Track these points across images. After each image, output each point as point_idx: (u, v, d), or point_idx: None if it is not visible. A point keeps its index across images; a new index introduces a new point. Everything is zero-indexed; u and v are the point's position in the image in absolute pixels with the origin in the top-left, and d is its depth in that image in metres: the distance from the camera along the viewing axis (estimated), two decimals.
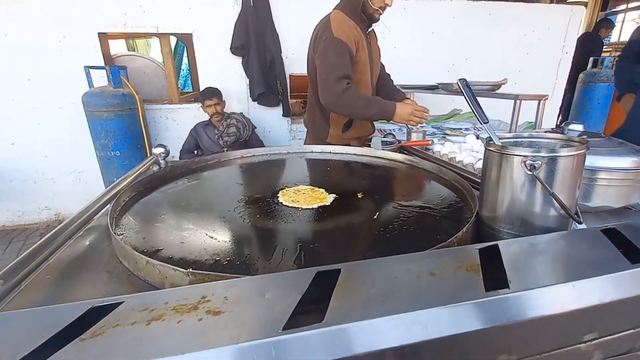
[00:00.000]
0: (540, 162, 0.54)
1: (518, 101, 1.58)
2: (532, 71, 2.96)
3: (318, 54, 1.35)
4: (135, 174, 1.04)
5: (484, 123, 0.69)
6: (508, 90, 1.86)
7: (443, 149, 1.22)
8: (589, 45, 4.01)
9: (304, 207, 0.83)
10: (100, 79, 2.59)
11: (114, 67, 2.47)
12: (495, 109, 2.26)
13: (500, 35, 2.93)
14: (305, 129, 1.71)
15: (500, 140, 0.66)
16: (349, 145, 1.42)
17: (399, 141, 1.35)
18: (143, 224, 0.73)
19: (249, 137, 2.46)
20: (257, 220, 0.74)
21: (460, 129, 1.82)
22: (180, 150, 2.51)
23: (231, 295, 0.39)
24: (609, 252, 0.46)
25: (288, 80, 2.76)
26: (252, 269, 0.55)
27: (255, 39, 2.51)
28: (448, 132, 1.76)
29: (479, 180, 0.90)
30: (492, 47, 2.94)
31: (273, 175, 1.12)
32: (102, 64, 2.66)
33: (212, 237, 0.67)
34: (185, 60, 4.66)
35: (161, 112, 2.75)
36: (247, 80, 2.70)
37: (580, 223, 0.56)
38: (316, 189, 0.94)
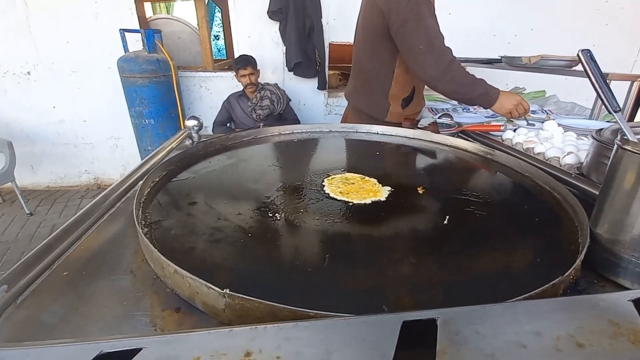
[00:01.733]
0: None
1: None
2: (611, 46, 2.54)
3: (404, 18, 1.10)
4: (167, 150, 0.95)
5: (615, 112, 0.51)
6: (580, 68, 1.57)
7: (516, 136, 1.03)
8: None
9: (355, 201, 0.70)
10: (136, 43, 2.52)
11: (148, 31, 2.38)
12: (567, 89, 1.96)
13: (574, 2, 2.51)
14: (346, 104, 1.54)
15: (637, 136, 0.48)
16: (399, 125, 1.25)
17: (459, 124, 1.16)
18: (173, 212, 0.64)
19: (282, 111, 2.33)
20: (301, 217, 0.62)
21: None
22: (214, 122, 2.43)
23: (286, 354, 0.27)
24: None
25: (327, 50, 2.55)
26: (303, 290, 0.43)
27: (294, 2, 2.30)
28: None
29: (576, 183, 0.73)
30: (564, 16, 2.54)
31: (315, 158, 0.99)
32: (137, 27, 2.58)
33: (250, 236, 0.56)
34: (215, 26, 4.50)
35: (195, 80, 2.67)
36: (284, 48, 2.52)
37: None
38: (367, 178, 0.81)
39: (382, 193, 0.74)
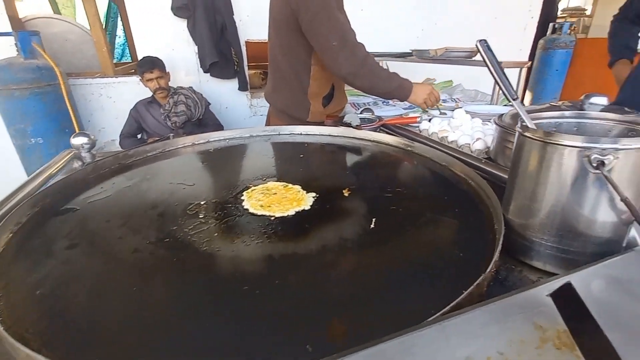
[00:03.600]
0: (611, 157, 0.39)
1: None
2: (501, 37, 2.87)
3: (312, 13, 1.06)
4: (44, 177, 0.77)
5: (514, 100, 0.52)
6: (478, 58, 1.73)
7: (431, 126, 1.06)
8: (545, 11, 4.01)
9: (277, 214, 0.63)
10: (10, 48, 2.09)
11: (22, 33, 1.99)
12: (470, 77, 2.16)
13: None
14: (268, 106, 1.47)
15: (534, 122, 0.50)
16: (322, 124, 1.22)
17: (380, 118, 1.17)
18: (42, 263, 0.50)
19: (202, 116, 2.15)
20: (214, 243, 0.53)
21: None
22: (120, 135, 2.13)
23: None
24: None
25: (244, 48, 2.42)
26: (222, 337, 0.35)
27: None
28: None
29: (486, 168, 0.76)
30: (462, 11, 2.79)
31: (233, 169, 0.90)
32: (8, 29, 2.15)
33: (148, 279, 0.46)
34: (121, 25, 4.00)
35: (92, 87, 2.31)
36: (196, 47, 2.32)
37: None
38: (290, 185, 0.75)
39: (307, 201, 0.68)
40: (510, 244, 0.52)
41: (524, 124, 0.49)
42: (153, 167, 0.88)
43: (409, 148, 0.93)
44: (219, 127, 2.29)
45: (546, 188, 0.46)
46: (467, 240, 0.53)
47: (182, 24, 2.28)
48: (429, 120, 1.12)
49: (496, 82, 0.53)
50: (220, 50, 2.28)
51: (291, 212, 0.64)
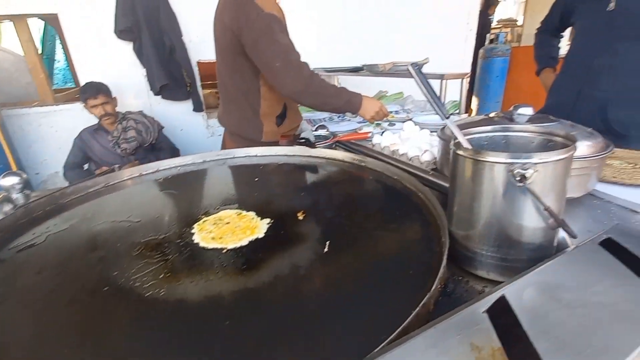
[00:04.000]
0: (532, 171, 0.42)
1: (444, 81, 1.55)
2: (445, 49, 3.07)
3: (255, 36, 1.08)
4: None
5: (446, 118, 0.55)
6: (426, 70, 1.84)
7: (383, 140, 1.10)
8: (482, 23, 4.35)
9: (230, 246, 0.61)
10: None
11: None
12: (417, 89, 2.27)
13: (414, 13, 2.95)
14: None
15: (468, 137, 0.53)
16: (277, 144, 1.21)
17: (334, 134, 1.19)
18: None
19: (155, 140, 2.06)
20: (159, 286, 0.50)
21: (390, 112, 1.74)
22: (64, 166, 1.98)
23: None
24: (631, 284, 0.36)
25: (196, 69, 2.37)
26: None
27: (145, 19, 2.06)
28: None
29: (433, 179, 0.80)
30: (408, 25, 2.95)
31: (185, 199, 0.86)
32: None
33: (81, 341, 0.42)
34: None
35: (30, 117, 2.14)
36: (144, 70, 2.24)
37: (575, 237, 0.46)
38: (244, 213, 0.73)
39: (261, 228, 0.67)
40: (457, 255, 0.55)
41: (457, 141, 0.52)
42: (95, 204, 0.82)
43: (362, 164, 0.95)
44: (174, 150, 2.21)
45: (481, 201, 0.48)
46: (416, 256, 0.55)
47: (127, 47, 2.19)
48: (381, 134, 1.16)
49: (429, 103, 0.56)
50: (170, 72, 2.22)
51: (244, 242, 0.62)
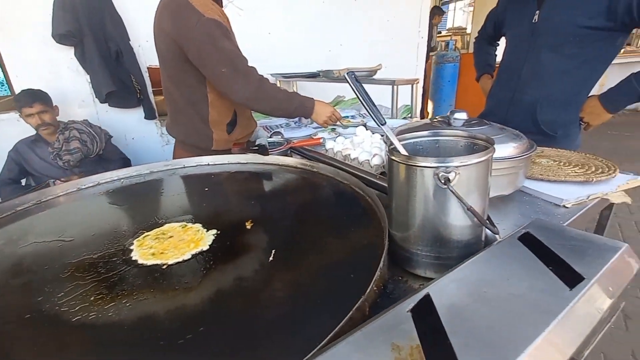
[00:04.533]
0: (454, 174, 0.45)
1: (395, 86, 1.61)
2: (398, 56, 3.20)
3: (197, 44, 1.05)
4: None
5: (382, 125, 0.57)
6: (380, 76, 1.91)
7: (336, 145, 1.12)
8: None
9: (171, 261, 0.59)
10: None
11: None
12: (373, 94, 2.33)
13: (368, 20, 3.04)
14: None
15: (400, 142, 0.56)
16: (229, 152, 1.19)
17: (288, 141, 1.19)
18: None
19: (102, 151, 1.93)
20: (89, 310, 0.47)
21: (347, 117, 1.78)
22: None
23: None
24: (541, 274, 0.40)
25: (146, 75, 2.27)
26: None
27: (88, 23, 1.94)
28: (341, 121, 1.70)
29: (381, 183, 0.82)
30: (363, 32, 3.04)
31: (126, 213, 0.82)
32: None
33: None
34: None
35: None
36: (88, 77, 2.10)
37: (497, 233, 0.50)
38: (189, 225, 0.71)
39: (206, 240, 0.65)
40: (397, 256, 0.57)
41: (392, 147, 0.54)
42: (23, 224, 0.76)
43: (314, 169, 0.96)
44: (125, 161, 2.09)
45: (414, 203, 0.51)
46: (360, 259, 0.56)
47: (69, 52, 2.05)
48: (335, 140, 1.18)
49: (366, 110, 0.57)
50: (117, 78, 2.10)
51: (187, 256, 0.60)
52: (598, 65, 1.02)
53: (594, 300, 0.36)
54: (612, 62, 1.03)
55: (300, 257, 0.58)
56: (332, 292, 0.48)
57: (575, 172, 0.84)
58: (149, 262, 0.58)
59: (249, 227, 0.69)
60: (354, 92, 0.58)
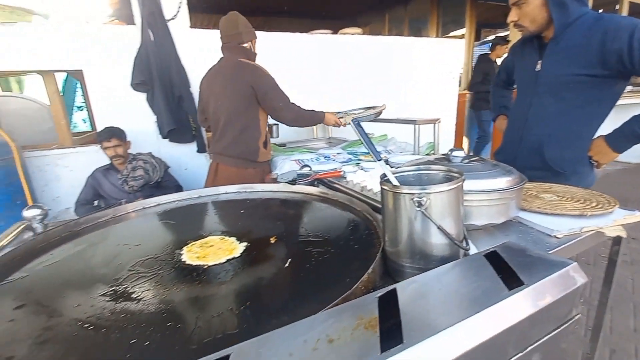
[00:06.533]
0: (425, 199, 0.57)
1: (417, 125, 1.74)
2: (435, 96, 3.36)
3: (266, 87, 1.73)
4: None
5: (378, 160, 0.71)
6: (417, 115, 2.08)
7: (355, 177, 1.26)
8: (482, 66, 4.24)
9: (210, 263, 0.75)
10: None
11: None
12: (400, 132, 2.48)
13: (408, 66, 3.28)
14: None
15: (394, 175, 0.69)
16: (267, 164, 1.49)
17: (315, 173, 1.36)
18: None
19: (160, 179, 2.25)
20: (149, 291, 0.64)
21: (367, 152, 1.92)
22: (76, 202, 2.16)
23: None
24: (490, 280, 0.49)
25: None
26: None
27: (158, 74, 2.35)
28: (362, 157, 1.85)
29: None
30: (398, 76, 3.27)
31: (179, 228, 1.01)
32: None
33: (87, 327, 0.55)
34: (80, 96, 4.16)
35: (48, 158, 2.37)
36: (155, 117, 2.50)
37: (467, 250, 0.60)
38: (226, 238, 0.88)
39: (238, 250, 0.81)
40: (390, 268, 0.68)
41: (385, 178, 0.68)
42: (102, 232, 0.98)
43: (333, 197, 1.11)
44: (179, 187, 2.39)
45: (401, 223, 0.63)
46: (357, 268, 0.68)
47: (141, 97, 2.47)
48: (355, 172, 1.32)
49: (367, 148, 0.72)
50: (178, 118, 2.47)
51: (223, 260, 0.76)
52: (598, 109, 1.09)
53: (526, 302, 0.45)
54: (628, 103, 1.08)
55: (310, 264, 0.71)
56: (329, 289, 0.61)
57: (574, 207, 0.89)
58: (194, 263, 0.75)
59: (272, 241, 0.84)
60: (357, 135, 0.73)
